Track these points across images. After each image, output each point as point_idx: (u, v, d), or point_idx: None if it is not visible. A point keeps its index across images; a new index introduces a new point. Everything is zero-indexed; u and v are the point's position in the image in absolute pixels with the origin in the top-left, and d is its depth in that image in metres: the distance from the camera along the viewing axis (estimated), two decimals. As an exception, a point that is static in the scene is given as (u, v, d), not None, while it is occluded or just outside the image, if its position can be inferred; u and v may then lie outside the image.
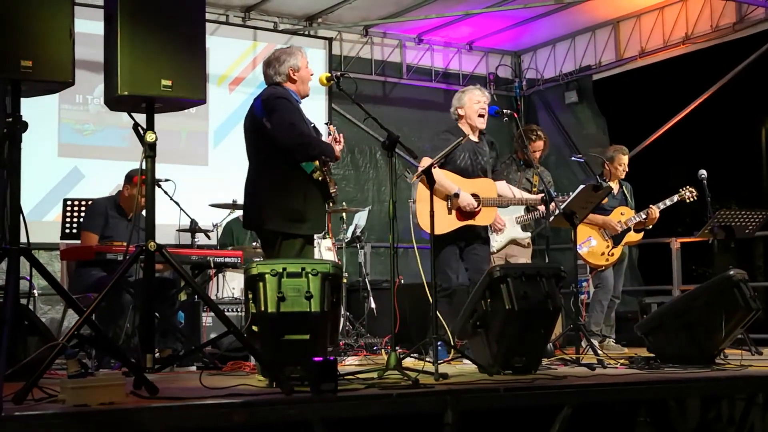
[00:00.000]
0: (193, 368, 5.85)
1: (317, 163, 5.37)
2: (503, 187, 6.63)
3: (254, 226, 5.63)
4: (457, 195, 6.24)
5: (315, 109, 10.31)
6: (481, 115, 6.48)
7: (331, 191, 5.45)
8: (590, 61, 11.14)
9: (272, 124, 5.32)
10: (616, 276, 7.91)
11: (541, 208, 7.03)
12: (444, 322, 5.65)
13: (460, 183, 6.32)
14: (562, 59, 11.45)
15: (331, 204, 5.62)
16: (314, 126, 5.60)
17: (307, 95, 5.67)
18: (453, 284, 6.24)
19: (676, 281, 9.69)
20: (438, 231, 6.18)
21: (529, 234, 7.53)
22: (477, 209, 6.32)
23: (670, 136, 10.79)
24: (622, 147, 8.04)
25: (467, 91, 6.57)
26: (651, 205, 7.75)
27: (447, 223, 6.27)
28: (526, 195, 6.87)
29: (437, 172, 6.11)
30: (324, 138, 5.58)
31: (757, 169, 17.93)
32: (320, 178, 5.37)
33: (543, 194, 6.62)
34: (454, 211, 6.31)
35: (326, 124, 5.89)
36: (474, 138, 6.48)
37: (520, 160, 7.66)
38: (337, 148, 5.58)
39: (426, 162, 6.01)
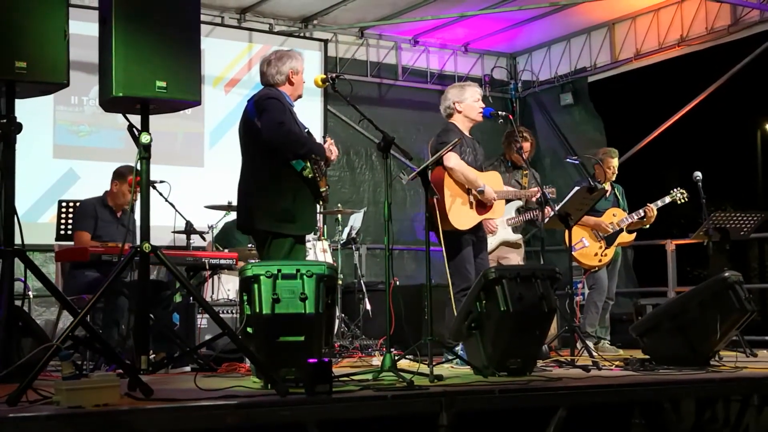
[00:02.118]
0: (188, 368, 5.84)
1: (308, 162, 5.37)
2: None
3: (246, 227, 5.64)
4: (482, 191, 6.19)
5: (310, 110, 10.31)
6: (479, 113, 6.44)
7: (322, 190, 5.44)
8: (585, 63, 11.15)
9: (262, 124, 5.34)
10: (609, 277, 7.91)
11: (536, 207, 7.07)
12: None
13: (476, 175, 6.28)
14: (558, 61, 11.45)
15: (321, 203, 5.61)
16: (308, 131, 5.61)
17: (300, 97, 5.69)
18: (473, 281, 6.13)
19: (671, 283, 9.69)
20: (462, 226, 6.15)
21: (520, 235, 7.52)
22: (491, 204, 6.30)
23: (666, 138, 10.81)
24: (611, 150, 8.06)
25: (467, 87, 6.50)
26: (648, 204, 7.76)
27: (469, 217, 6.19)
28: (521, 191, 6.87)
29: (460, 164, 6.09)
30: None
31: (752, 171, 17.98)
32: (310, 176, 5.37)
33: (539, 189, 6.64)
34: (474, 205, 6.26)
35: (323, 137, 5.90)
36: (468, 134, 6.46)
37: (508, 161, 7.66)
38: (333, 153, 5.58)
39: (453, 156, 5.98)
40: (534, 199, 6.89)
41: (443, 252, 6.06)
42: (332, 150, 5.56)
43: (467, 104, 6.40)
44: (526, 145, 7.50)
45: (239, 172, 5.60)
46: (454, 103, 6.43)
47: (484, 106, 6.43)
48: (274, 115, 5.33)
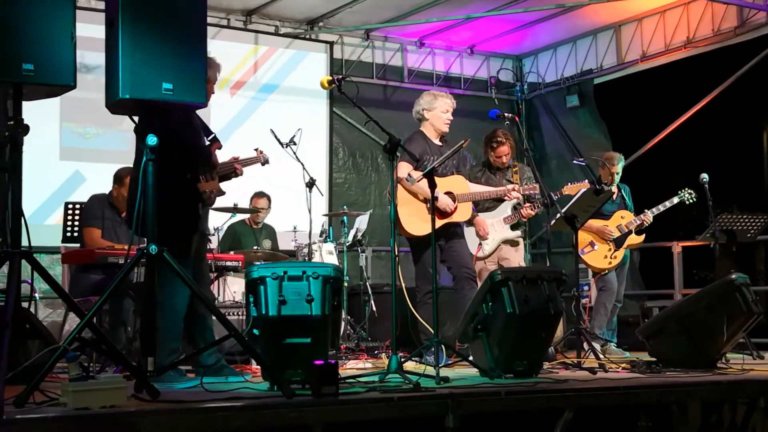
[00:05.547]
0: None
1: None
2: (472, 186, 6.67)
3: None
4: (436, 198, 6.23)
5: (316, 112, 10.34)
6: (446, 124, 6.53)
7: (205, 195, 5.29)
8: (592, 64, 11.15)
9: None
10: (618, 280, 7.91)
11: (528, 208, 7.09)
12: (427, 326, 5.68)
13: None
14: (564, 63, 11.46)
15: (201, 206, 5.45)
16: (214, 135, 5.56)
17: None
18: (438, 285, 6.23)
19: (678, 285, 9.68)
20: (420, 232, 6.22)
21: (519, 232, 7.47)
22: (453, 208, 6.36)
23: (672, 140, 10.79)
24: (614, 154, 8.03)
25: (440, 97, 6.57)
26: (646, 210, 7.80)
27: (428, 223, 6.26)
28: (493, 188, 6.86)
29: (414, 175, 6.15)
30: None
31: (758, 173, 17.93)
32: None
33: (514, 185, 6.70)
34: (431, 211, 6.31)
35: (255, 149, 5.88)
36: (437, 141, 6.52)
37: (491, 165, 7.52)
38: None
39: (403, 167, 6.06)
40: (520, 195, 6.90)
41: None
42: (216, 155, 5.34)
43: (434, 114, 6.52)
44: (503, 149, 7.35)
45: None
46: (423, 110, 6.56)
47: (450, 118, 6.49)
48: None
